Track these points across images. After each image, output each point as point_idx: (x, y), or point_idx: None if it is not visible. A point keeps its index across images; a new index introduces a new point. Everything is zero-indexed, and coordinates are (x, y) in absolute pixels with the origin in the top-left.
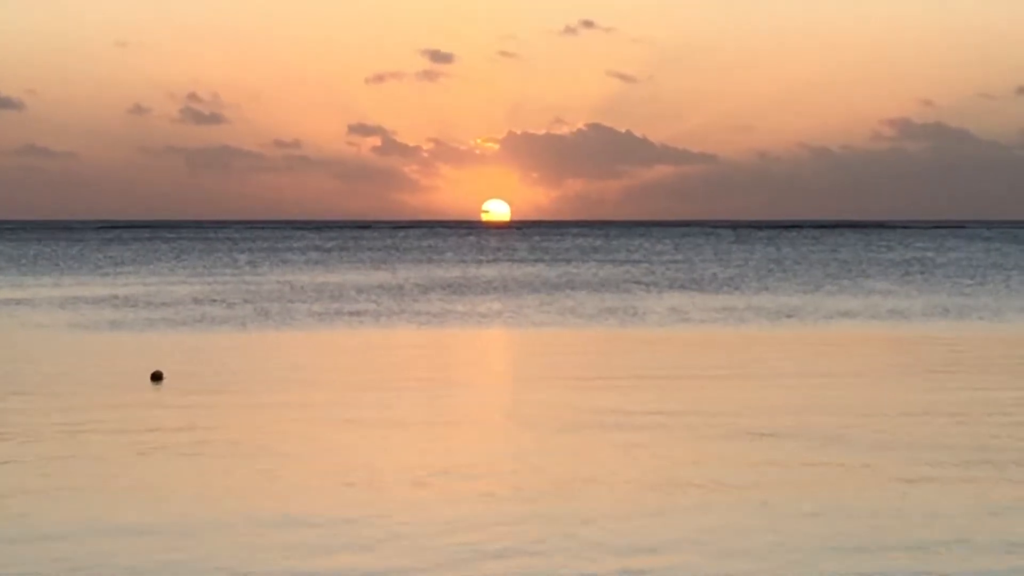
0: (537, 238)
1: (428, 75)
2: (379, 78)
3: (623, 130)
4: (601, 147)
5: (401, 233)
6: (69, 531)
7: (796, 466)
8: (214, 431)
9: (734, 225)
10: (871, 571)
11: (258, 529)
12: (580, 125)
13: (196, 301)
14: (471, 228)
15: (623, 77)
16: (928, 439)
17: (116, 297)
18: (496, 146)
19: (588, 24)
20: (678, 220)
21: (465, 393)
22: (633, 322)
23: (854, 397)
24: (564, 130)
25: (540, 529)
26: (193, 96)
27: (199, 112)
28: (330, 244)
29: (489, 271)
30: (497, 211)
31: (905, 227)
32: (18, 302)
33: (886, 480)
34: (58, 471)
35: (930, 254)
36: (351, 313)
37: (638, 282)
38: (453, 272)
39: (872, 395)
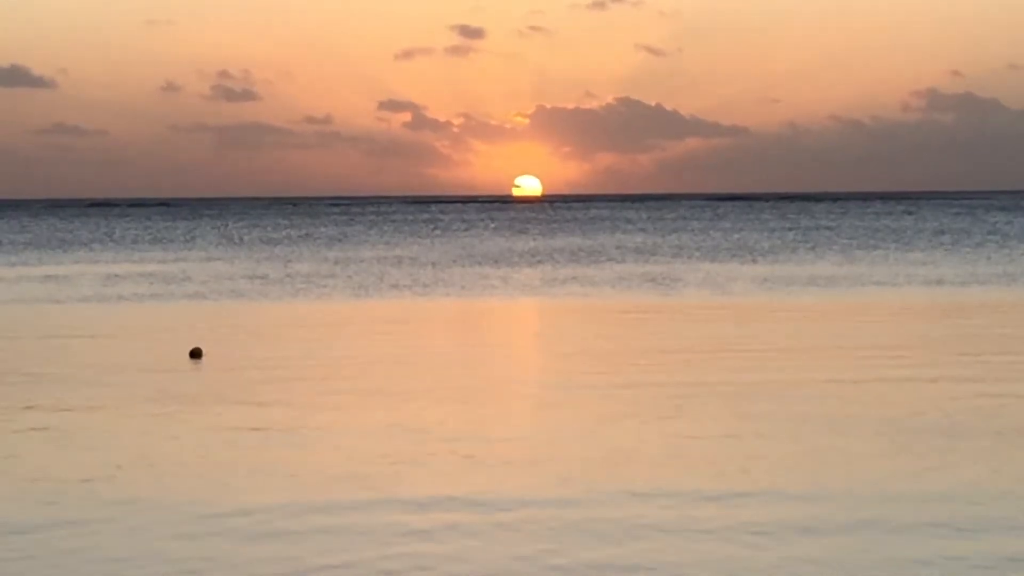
0: (569, 212)
1: (458, 50)
2: (409, 54)
3: (653, 103)
4: (631, 120)
5: (433, 208)
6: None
7: (853, 455)
8: (251, 408)
9: (765, 197)
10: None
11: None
12: (609, 99)
13: (231, 278)
14: (503, 203)
15: (652, 50)
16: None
17: (152, 274)
18: (526, 121)
19: None
20: (710, 193)
21: (498, 363)
22: (671, 292)
23: (901, 369)
24: (594, 104)
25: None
26: (224, 73)
27: (230, 89)
28: (362, 219)
29: (524, 243)
30: (528, 186)
31: (936, 198)
32: (56, 278)
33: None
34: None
35: (962, 224)
36: (388, 286)
37: (674, 253)
38: (488, 245)
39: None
